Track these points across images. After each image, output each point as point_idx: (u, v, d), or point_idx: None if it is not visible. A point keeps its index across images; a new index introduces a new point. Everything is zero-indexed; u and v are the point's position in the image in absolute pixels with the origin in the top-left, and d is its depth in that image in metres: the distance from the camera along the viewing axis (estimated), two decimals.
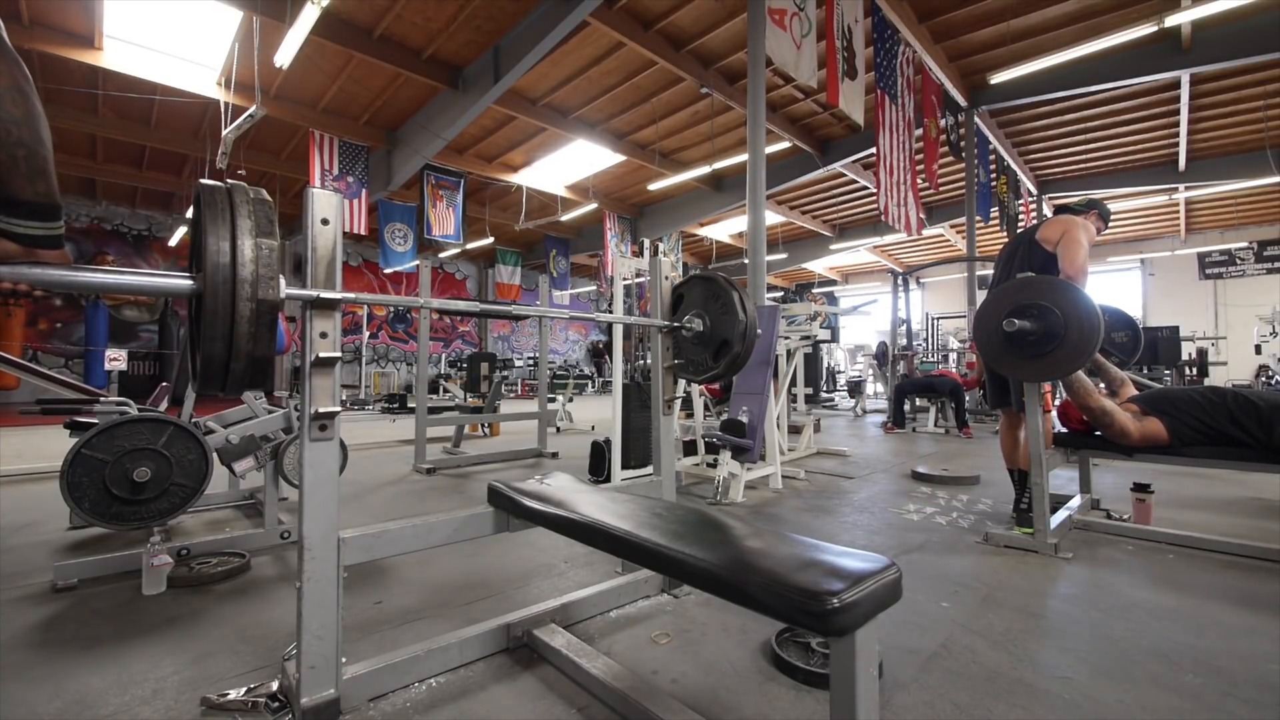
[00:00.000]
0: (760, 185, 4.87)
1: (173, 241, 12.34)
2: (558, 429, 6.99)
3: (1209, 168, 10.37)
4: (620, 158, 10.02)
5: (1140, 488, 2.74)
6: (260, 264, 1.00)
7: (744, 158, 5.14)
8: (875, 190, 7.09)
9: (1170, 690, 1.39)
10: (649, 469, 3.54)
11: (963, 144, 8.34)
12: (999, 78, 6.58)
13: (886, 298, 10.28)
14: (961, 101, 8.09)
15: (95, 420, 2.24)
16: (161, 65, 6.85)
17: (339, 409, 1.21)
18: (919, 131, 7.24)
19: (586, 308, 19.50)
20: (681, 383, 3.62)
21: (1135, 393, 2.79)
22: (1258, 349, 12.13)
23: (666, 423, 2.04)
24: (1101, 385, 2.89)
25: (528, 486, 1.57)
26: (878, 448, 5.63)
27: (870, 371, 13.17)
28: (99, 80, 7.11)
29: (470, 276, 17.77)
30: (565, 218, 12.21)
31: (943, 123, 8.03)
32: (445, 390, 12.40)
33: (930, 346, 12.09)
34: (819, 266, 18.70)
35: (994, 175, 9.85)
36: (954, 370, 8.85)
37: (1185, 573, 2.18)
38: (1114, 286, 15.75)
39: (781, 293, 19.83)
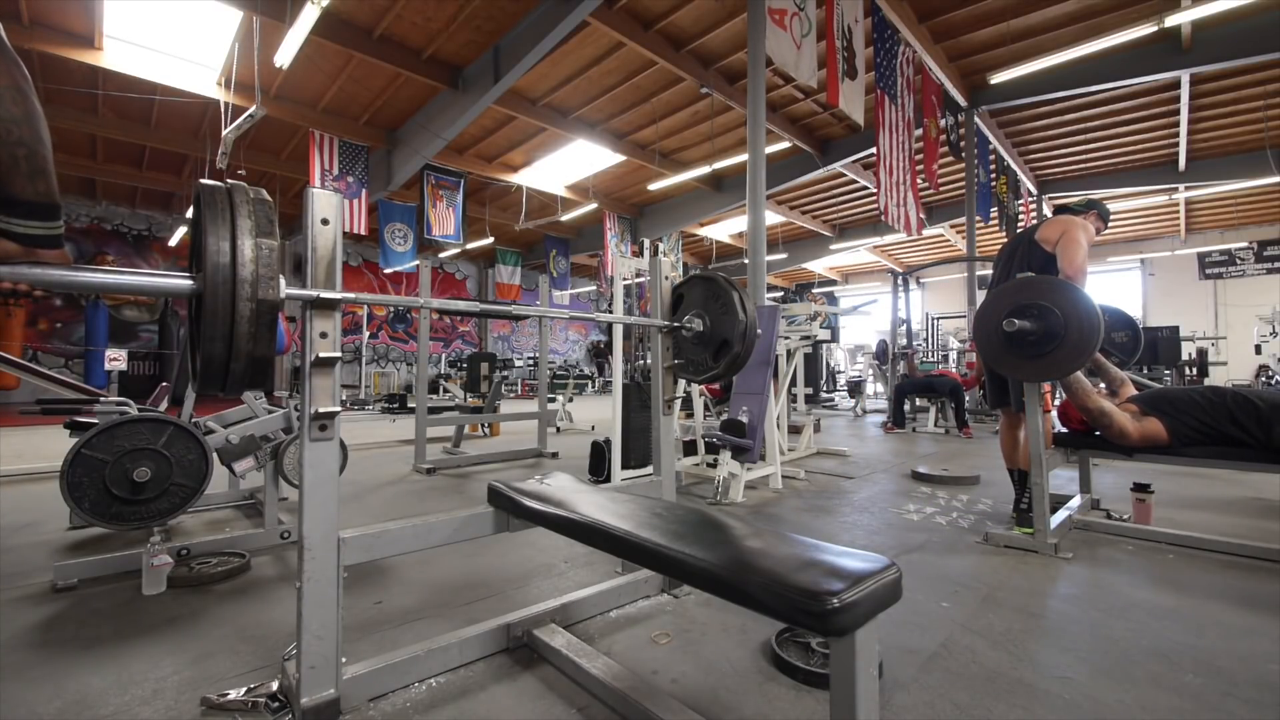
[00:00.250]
0: (760, 185, 4.87)
1: (173, 241, 12.35)
2: (558, 429, 6.99)
3: (1209, 168, 10.36)
4: (620, 158, 10.02)
5: (1140, 488, 2.74)
6: (260, 264, 1.00)
7: (744, 158, 5.14)
8: (875, 190, 7.09)
9: (1170, 690, 1.39)
10: (649, 469, 3.55)
11: (962, 144, 8.34)
12: (999, 78, 6.58)
13: (886, 298, 10.28)
14: (961, 101, 8.09)
15: (95, 420, 2.23)
16: (161, 65, 6.86)
17: (339, 409, 1.21)
18: (919, 131, 7.24)
19: (586, 308, 19.50)
20: (681, 383, 3.62)
21: (1135, 393, 2.79)
22: (1258, 349, 12.12)
23: (666, 423, 2.04)
24: (1101, 385, 2.89)
25: (528, 486, 1.57)
26: (878, 448, 5.63)
27: (870, 371, 13.17)
28: (99, 80, 7.11)
29: (470, 276, 17.77)
30: (565, 218, 12.21)
31: (943, 123, 8.03)
32: (445, 390, 12.40)
33: (930, 346, 12.09)
34: (819, 266, 18.70)
35: (994, 175, 9.84)
36: (954, 370, 8.85)
37: (1185, 573, 2.18)
38: (1114, 286, 15.74)
39: (781, 293, 19.83)
